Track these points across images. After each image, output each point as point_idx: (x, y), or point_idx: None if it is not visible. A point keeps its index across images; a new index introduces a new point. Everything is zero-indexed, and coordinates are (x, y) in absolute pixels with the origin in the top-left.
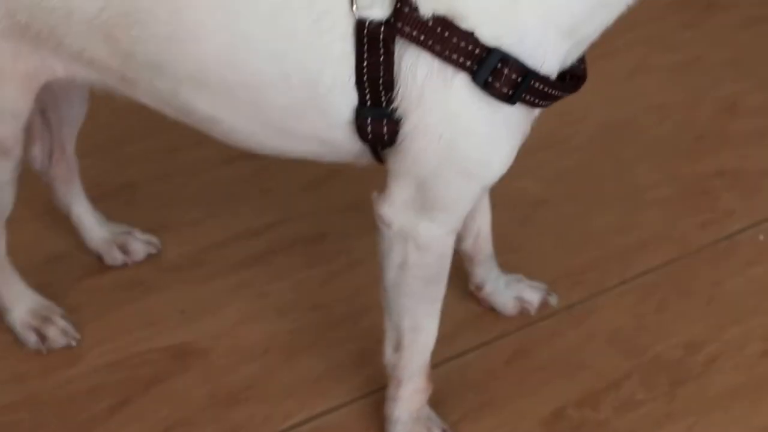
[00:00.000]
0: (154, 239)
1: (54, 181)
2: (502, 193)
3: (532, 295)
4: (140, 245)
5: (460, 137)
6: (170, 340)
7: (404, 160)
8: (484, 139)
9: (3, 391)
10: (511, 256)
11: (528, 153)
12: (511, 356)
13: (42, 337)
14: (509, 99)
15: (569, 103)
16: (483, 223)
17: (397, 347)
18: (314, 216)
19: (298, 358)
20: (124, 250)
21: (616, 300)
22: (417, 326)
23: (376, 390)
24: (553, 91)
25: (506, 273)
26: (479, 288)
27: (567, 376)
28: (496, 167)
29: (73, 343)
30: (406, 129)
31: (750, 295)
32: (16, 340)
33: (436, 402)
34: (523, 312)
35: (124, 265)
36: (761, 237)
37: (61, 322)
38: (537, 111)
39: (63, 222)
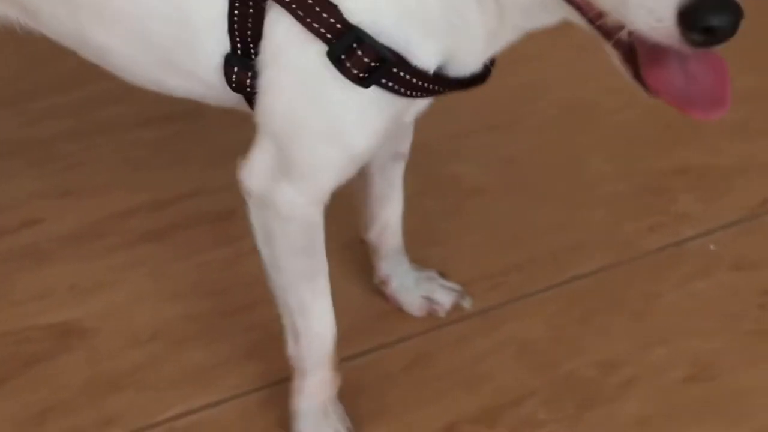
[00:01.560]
0: None
1: None
2: (432, 178)
3: (443, 296)
4: None
5: (309, 103)
6: (56, 316)
7: (261, 115)
8: (335, 110)
9: None
10: (431, 250)
11: (469, 134)
12: (411, 361)
13: None
14: (361, 81)
15: (526, 78)
16: (392, 214)
17: (295, 336)
18: (227, 191)
19: (188, 346)
20: None
21: (537, 307)
22: (304, 308)
23: (263, 387)
24: (427, 84)
25: (419, 269)
26: (384, 283)
27: (467, 388)
28: (354, 141)
29: None
30: (262, 83)
31: (686, 313)
32: None
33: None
34: (431, 313)
35: None
36: (712, 247)
37: None
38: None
39: None
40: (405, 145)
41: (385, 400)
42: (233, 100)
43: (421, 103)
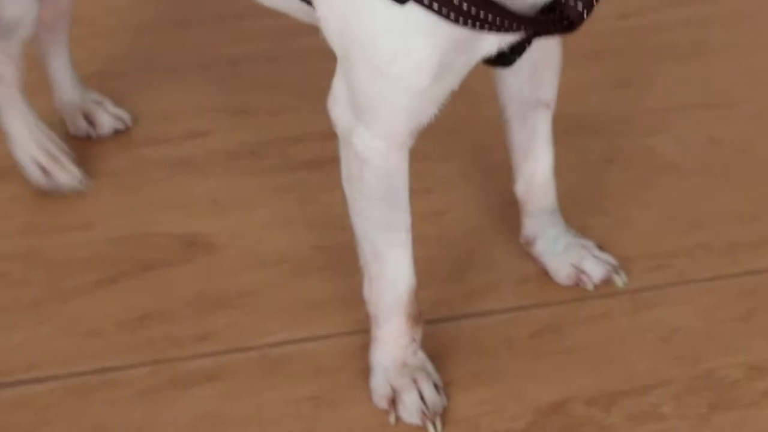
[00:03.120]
0: (125, 115)
1: (40, 25)
2: (623, 148)
3: (594, 267)
4: (108, 118)
5: (353, 17)
6: (189, 227)
7: (324, 31)
8: (376, 30)
9: (8, 242)
10: (597, 219)
11: (677, 110)
12: (540, 330)
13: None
14: None
15: (754, 63)
16: (539, 167)
17: (369, 279)
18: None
19: (309, 277)
20: (89, 119)
21: (695, 296)
22: (378, 255)
23: (367, 330)
24: (477, 11)
25: (575, 236)
26: (529, 243)
27: (593, 368)
28: (403, 73)
29: (79, 186)
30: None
31: None
32: (40, 192)
33: (433, 357)
34: (578, 284)
35: (88, 137)
36: None
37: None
38: (490, 36)
39: None
40: (546, 92)
41: (499, 363)
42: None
43: (497, 41)
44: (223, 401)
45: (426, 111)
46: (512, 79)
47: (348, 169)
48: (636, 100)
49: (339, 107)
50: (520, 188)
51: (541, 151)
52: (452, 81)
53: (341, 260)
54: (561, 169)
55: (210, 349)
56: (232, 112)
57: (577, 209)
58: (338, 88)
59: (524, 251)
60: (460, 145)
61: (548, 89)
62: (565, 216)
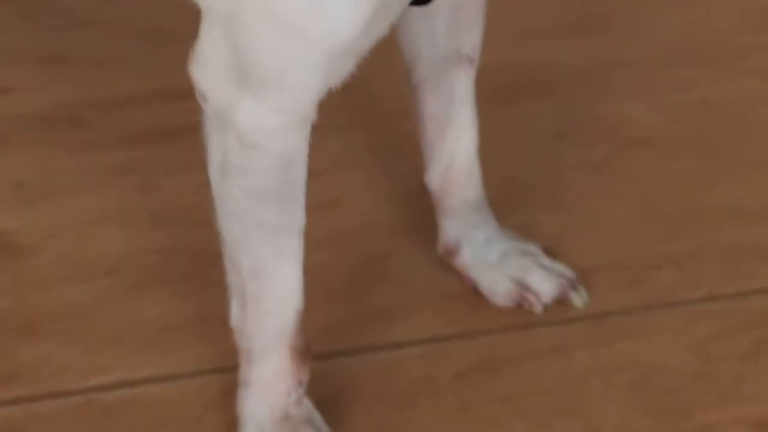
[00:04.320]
0: None
1: None
2: (585, 118)
3: (542, 281)
4: None
5: None
6: None
7: None
8: None
9: None
10: (545, 217)
11: (656, 63)
12: (469, 368)
13: None
14: None
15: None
16: (459, 147)
17: (242, 302)
18: None
19: (152, 292)
20: None
21: (685, 324)
22: (260, 270)
23: (229, 368)
24: None
25: (513, 238)
26: (451, 252)
27: (539, 422)
28: (327, 19)
29: None
30: None
31: None
32: None
33: (324, 406)
34: (523, 305)
35: None
36: None
37: None
38: None
39: None
40: (468, 41)
41: (413, 415)
42: None
43: None
44: None
45: (345, 69)
46: (422, 26)
47: (223, 157)
48: (599, 51)
49: (211, 75)
50: (435, 178)
51: (463, 124)
52: (384, 25)
53: (196, 269)
54: (493, 149)
55: (14, 394)
56: (42, 60)
57: (517, 203)
58: (210, 51)
59: (440, 264)
60: (359, 112)
61: (471, 37)
62: (499, 212)
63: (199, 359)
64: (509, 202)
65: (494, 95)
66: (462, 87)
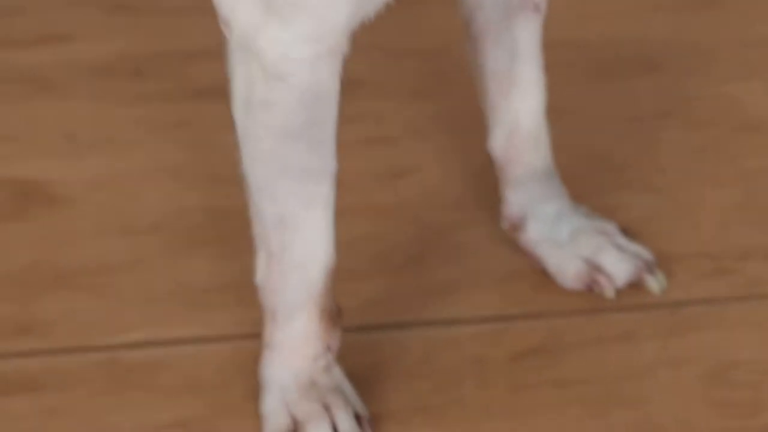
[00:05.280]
0: None
1: None
2: (693, 98)
3: (617, 263)
4: None
5: None
6: (28, 170)
7: None
8: None
9: None
10: (640, 198)
11: None
12: (526, 350)
13: None
14: None
15: None
16: (524, 106)
17: (268, 255)
18: None
19: (192, 253)
20: None
21: None
22: (285, 219)
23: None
24: None
25: (587, 215)
26: (516, 227)
27: (597, 411)
28: None
29: None
30: None
31: None
32: None
33: (359, 377)
34: (593, 288)
35: None
36: None
37: None
38: None
39: None
40: None
41: (459, 394)
42: None
43: None
44: (47, 422)
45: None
46: None
47: (247, 91)
48: (718, 28)
49: None
50: (498, 142)
51: (528, 81)
52: None
53: (245, 231)
54: (587, 125)
55: (35, 345)
56: (108, 8)
57: (604, 182)
58: None
59: (506, 241)
60: (439, 79)
61: None
62: (583, 191)
63: (236, 323)
64: (596, 180)
65: (599, 69)
66: (526, 38)
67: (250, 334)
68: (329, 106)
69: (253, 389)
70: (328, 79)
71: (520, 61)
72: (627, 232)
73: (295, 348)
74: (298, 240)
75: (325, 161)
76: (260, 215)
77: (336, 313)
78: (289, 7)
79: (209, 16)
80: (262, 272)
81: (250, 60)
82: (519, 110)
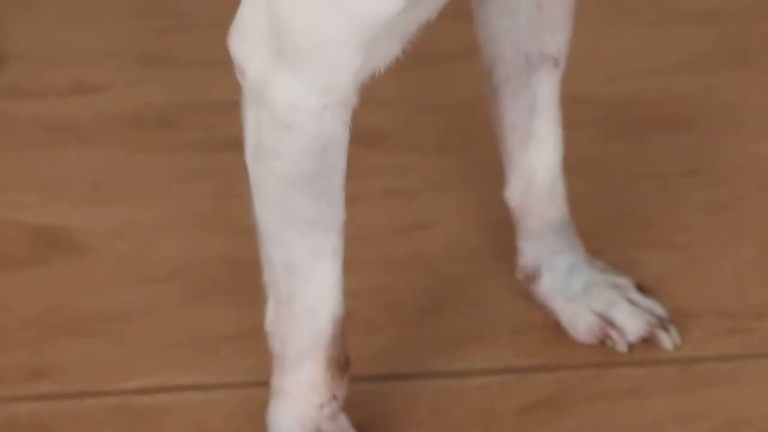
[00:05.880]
0: None
1: None
2: (721, 157)
3: (629, 318)
4: None
5: None
6: (51, 217)
7: None
8: None
9: None
10: (658, 255)
11: None
12: (536, 403)
13: None
14: None
15: None
16: (541, 158)
17: (277, 302)
18: None
19: (208, 301)
20: None
21: None
22: (293, 267)
23: None
24: None
25: (603, 270)
26: (530, 278)
27: None
28: None
29: None
30: None
31: None
32: None
33: (366, 428)
34: (605, 342)
35: None
36: None
37: None
38: None
39: None
40: (554, 43)
41: None
42: None
43: None
44: None
45: (388, 51)
46: (503, 24)
47: (257, 138)
48: (749, 88)
49: (248, 46)
50: (514, 193)
51: (545, 134)
52: (431, 4)
53: (258, 282)
54: (612, 182)
55: (47, 389)
56: (144, 60)
57: (625, 239)
58: (249, 20)
59: (521, 294)
60: (462, 134)
61: (556, 38)
62: (603, 247)
63: (248, 371)
64: (616, 237)
65: (627, 126)
66: (545, 92)
67: (262, 382)
68: (337, 157)
69: None
70: (336, 130)
71: (538, 115)
72: (643, 288)
73: (302, 395)
74: (306, 288)
75: (333, 212)
76: (270, 262)
77: (344, 362)
78: (299, 58)
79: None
80: (271, 318)
81: (260, 108)
82: (535, 162)
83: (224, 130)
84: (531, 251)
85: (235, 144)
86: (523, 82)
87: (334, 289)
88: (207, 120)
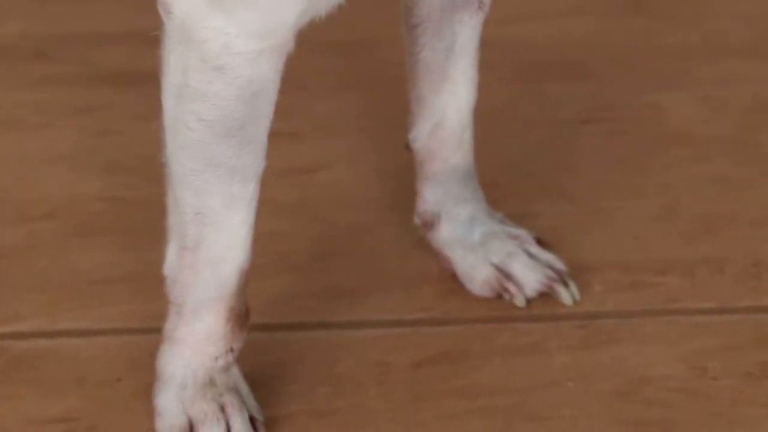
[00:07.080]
0: None
1: None
2: (617, 106)
3: (527, 271)
4: None
5: None
6: None
7: None
8: None
9: None
10: (555, 206)
11: (707, 53)
12: (430, 358)
13: None
14: None
15: None
16: (454, 101)
17: (181, 246)
18: None
19: (89, 242)
20: None
21: (689, 335)
22: (205, 214)
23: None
24: None
25: (502, 221)
26: (428, 224)
27: (499, 426)
28: None
29: None
30: None
31: None
32: None
33: (258, 378)
34: (502, 296)
35: None
36: None
37: None
38: None
39: None
40: None
41: (358, 400)
42: None
43: None
44: None
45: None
46: None
47: (182, 79)
48: (646, 35)
49: None
50: (420, 135)
51: (461, 78)
52: None
53: (144, 223)
54: (506, 128)
55: None
56: None
57: (520, 189)
58: None
59: (417, 243)
60: (359, 75)
61: None
62: (497, 197)
63: (128, 317)
64: (511, 187)
65: (521, 72)
66: (466, 34)
67: (145, 329)
68: (267, 105)
69: (143, 386)
70: (269, 77)
71: (455, 57)
72: (542, 241)
73: (198, 345)
74: (216, 237)
75: (255, 161)
76: (178, 207)
77: (245, 314)
78: (235, 3)
79: (117, 1)
80: (171, 263)
81: (188, 48)
82: (447, 105)
83: (99, 65)
84: (432, 197)
85: (112, 80)
86: (445, 21)
87: (244, 240)
88: (81, 53)
